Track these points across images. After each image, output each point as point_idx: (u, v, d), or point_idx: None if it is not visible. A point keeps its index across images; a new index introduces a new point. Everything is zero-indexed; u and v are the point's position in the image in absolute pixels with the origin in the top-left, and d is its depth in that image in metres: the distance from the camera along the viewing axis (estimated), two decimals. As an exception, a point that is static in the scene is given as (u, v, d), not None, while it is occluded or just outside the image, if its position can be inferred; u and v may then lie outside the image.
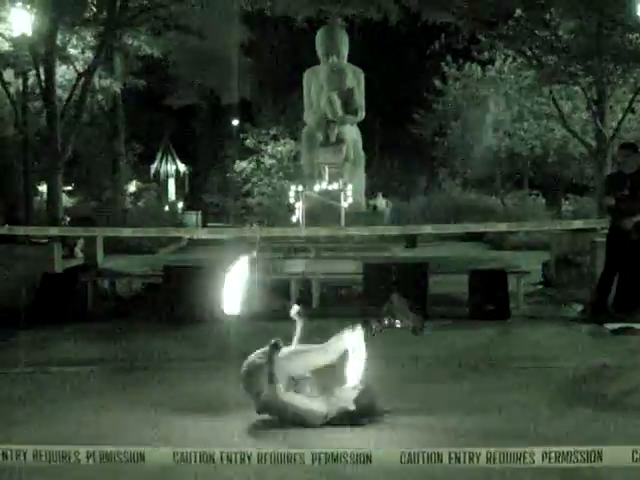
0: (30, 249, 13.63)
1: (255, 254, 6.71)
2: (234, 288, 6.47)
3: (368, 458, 4.08)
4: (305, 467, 4.24)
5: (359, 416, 6.11)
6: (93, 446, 4.31)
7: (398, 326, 6.53)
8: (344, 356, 6.31)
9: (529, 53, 20.85)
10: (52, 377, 7.76)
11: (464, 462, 4.00)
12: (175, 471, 4.83)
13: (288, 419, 6.04)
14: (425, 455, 4.02)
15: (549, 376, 7.91)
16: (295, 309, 6.56)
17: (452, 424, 6.15)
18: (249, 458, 4.14)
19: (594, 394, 7.22)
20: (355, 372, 6.23)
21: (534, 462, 3.94)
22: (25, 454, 4.15)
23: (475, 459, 3.98)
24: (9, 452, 4.15)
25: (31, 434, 5.88)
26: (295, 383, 6.18)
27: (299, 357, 6.32)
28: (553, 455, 3.92)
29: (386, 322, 6.48)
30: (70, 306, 12.01)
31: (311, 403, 6.08)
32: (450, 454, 4.01)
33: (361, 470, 4.56)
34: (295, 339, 6.47)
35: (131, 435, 5.87)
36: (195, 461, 4.15)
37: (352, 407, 6.10)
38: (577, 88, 22.53)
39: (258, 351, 6.30)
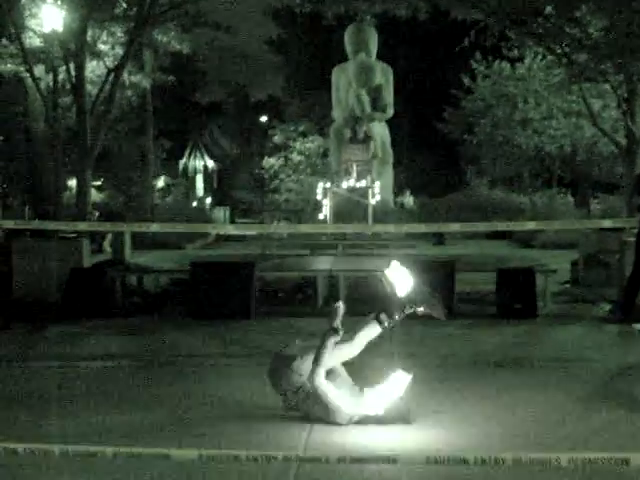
0: (59, 244, 13.72)
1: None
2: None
3: (394, 460, 4.07)
4: (330, 467, 4.24)
5: (390, 422, 6.03)
6: (120, 447, 4.33)
7: (420, 313, 6.45)
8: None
9: (559, 51, 20.70)
10: (79, 372, 7.80)
11: (490, 465, 3.98)
12: (201, 470, 4.83)
13: (315, 413, 6.00)
14: (451, 458, 4.02)
15: (577, 376, 7.86)
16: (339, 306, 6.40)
17: (479, 423, 6.12)
18: (274, 459, 4.15)
19: (622, 394, 7.16)
20: (395, 379, 6.10)
21: (560, 468, 3.92)
22: (54, 452, 4.18)
23: (501, 463, 3.97)
24: (37, 450, 4.18)
25: (58, 430, 5.92)
26: (326, 375, 6.11)
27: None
28: (580, 461, 3.90)
29: (408, 310, 6.40)
30: (98, 301, 12.07)
31: (342, 400, 6.02)
32: (476, 457, 4.00)
33: (386, 471, 4.55)
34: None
35: (157, 433, 5.89)
36: (222, 462, 4.16)
37: (381, 413, 6.02)
38: (607, 86, 22.35)
39: (293, 345, 6.26)
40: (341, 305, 6.34)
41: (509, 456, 3.97)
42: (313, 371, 5.93)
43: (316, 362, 5.93)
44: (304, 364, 6.03)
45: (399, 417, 6.01)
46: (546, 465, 3.93)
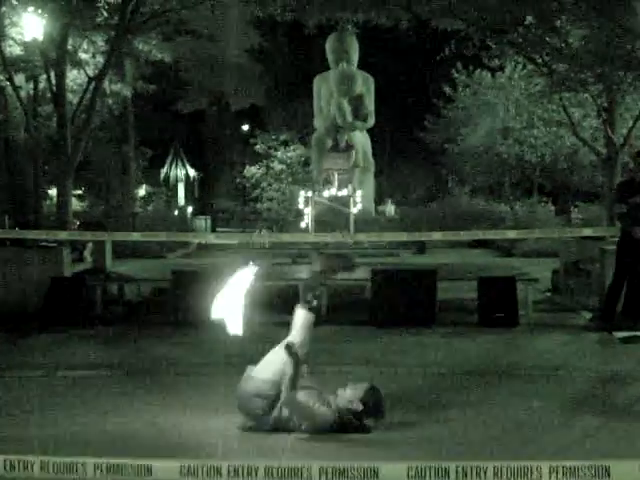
0: (39, 253, 13.65)
1: (256, 265, 6.69)
2: (235, 306, 6.42)
3: (375, 473, 4.06)
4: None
5: (365, 415, 6.08)
6: (100, 458, 4.30)
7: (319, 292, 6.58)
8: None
9: (539, 60, 20.79)
10: (60, 381, 7.76)
11: (472, 477, 3.98)
12: None
13: (299, 424, 6.02)
14: (432, 469, 4.01)
15: (558, 384, 7.89)
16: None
17: (460, 433, 6.13)
18: (256, 472, 4.13)
19: (603, 402, 7.19)
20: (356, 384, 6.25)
21: (541, 477, 3.92)
22: (33, 465, 4.14)
23: (482, 474, 3.96)
24: (17, 463, 4.15)
25: (38, 440, 5.88)
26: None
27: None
28: (560, 470, 3.90)
29: (311, 298, 6.47)
30: (79, 310, 12.02)
31: (321, 407, 6.06)
32: (457, 468, 3.99)
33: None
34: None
35: (137, 442, 5.86)
36: (202, 475, 4.13)
37: (359, 406, 6.07)
38: (587, 95, 22.45)
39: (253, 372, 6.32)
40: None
41: (490, 466, 3.96)
42: (290, 393, 6.00)
43: (292, 387, 6.02)
44: (270, 388, 6.12)
45: (376, 408, 6.14)
46: (527, 476, 3.92)
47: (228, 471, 4.13)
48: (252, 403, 6.15)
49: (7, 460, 4.15)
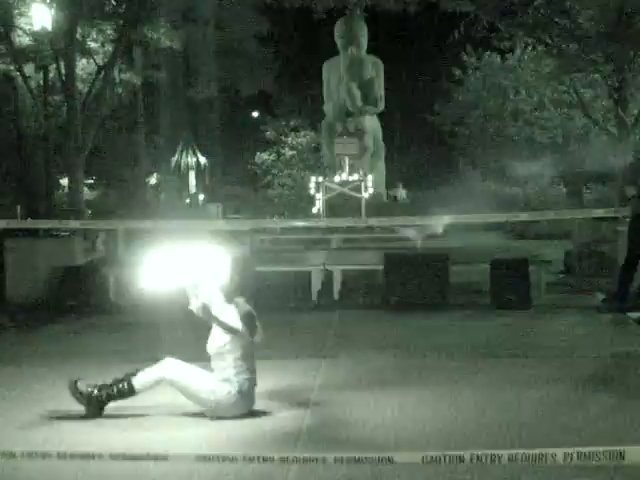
0: (51, 242, 13.69)
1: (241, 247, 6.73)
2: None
3: (390, 460, 4.06)
4: (327, 466, 4.24)
5: (248, 330, 6.15)
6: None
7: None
8: None
9: (549, 41, 20.69)
10: (73, 369, 7.77)
11: (486, 463, 3.97)
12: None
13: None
14: (447, 457, 4.00)
15: (571, 365, 7.87)
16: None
17: (474, 416, 6.12)
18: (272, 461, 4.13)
19: (616, 383, 7.17)
20: None
21: (556, 462, 3.91)
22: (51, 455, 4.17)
23: (497, 460, 3.95)
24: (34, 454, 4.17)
25: (53, 431, 5.93)
26: None
27: None
28: (575, 455, 3.89)
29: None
30: (91, 299, 12.07)
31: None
32: (472, 455, 3.98)
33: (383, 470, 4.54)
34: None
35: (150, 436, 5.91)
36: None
37: (240, 326, 6.16)
38: (598, 76, 22.33)
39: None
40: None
41: (505, 454, 3.95)
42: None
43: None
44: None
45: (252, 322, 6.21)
46: (542, 461, 3.91)
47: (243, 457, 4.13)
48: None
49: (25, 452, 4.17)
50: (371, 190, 25.70)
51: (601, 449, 3.90)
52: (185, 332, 6.83)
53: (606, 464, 3.96)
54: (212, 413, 6.13)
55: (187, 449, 5.11)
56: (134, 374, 6.27)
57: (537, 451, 3.95)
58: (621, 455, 3.86)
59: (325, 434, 5.70)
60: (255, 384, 6.27)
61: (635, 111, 22.52)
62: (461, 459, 3.99)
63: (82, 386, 6.23)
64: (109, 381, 6.27)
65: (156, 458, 4.22)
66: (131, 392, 6.24)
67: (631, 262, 11.03)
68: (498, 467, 4.26)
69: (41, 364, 8.32)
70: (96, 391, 6.21)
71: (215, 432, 5.80)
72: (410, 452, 4.21)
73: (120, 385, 6.23)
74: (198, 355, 6.49)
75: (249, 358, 6.24)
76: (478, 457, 3.97)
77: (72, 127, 20.73)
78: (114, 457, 4.24)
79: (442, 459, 3.99)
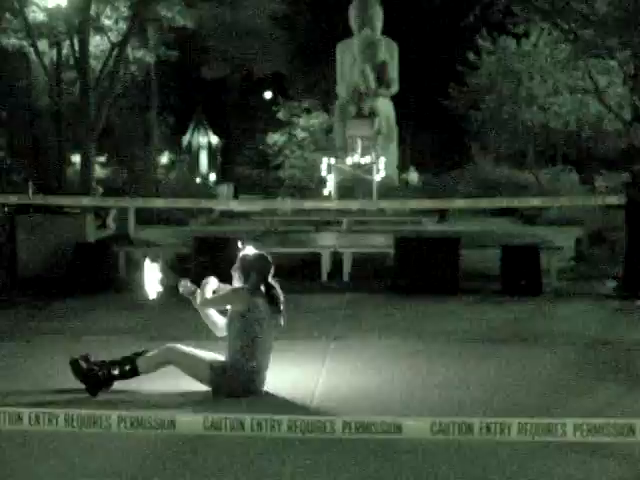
0: (63, 219, 13.71)
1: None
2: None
3: (398, 428, 4.05)
4: (336, 436, 4.23)
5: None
6: (124, 411, 4.33)
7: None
8: None
9: (565, 26, 20.56)
10: (83, 346, 7.79)
11: (495, 433, 3.96)
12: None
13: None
14: (456, 426, 4.00)
15: (581, 352, 7.87)
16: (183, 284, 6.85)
17: (483, 398, 6.13)
18: (279, 426, 4.12)
19: (626, 369, 7.16)
20: None
21: (566, 434, 3.90)
22: (57, 419, 4.17)
23: (506, 430, 3.95)
24: (41, 415, 4.18)
25: (64, 399, 5.96)
26: None
27: None
28: (585, 427, 3.89)
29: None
30: (102, 276, 12.10)
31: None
32: (481, 424, 3.98)
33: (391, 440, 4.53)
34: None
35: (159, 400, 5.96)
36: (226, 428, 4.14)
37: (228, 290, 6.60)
38: (613, 62, 22.21)
39: None
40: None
41: (514, 423, 3.95)
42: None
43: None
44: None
45: None
46: (551, 432, 3.91)
47: (251, 425, 4.12)
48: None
49: (32, 413, 4.18)
50: (383, 173, 25.67)
51: (611, 421, 3.90)
52: (195, 311, 6.74)
53: (616, 441, 3.96)
54: (218, 390, 6.14)
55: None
56: (139, 354, 6.29)
57: (546, 421, 3.95)
58: (631, 429, 3.86)
59: (334, 413, 5.70)
60: (265, 366, 6.27)
61: (650, 98, 22.39)
62: (470, 428, 3.99)
63: (84, 364, 6.24)
64: (117, 359, 6.28)
65: (163, 426, 4.21)
66: (134, 373, 6.26)
67: (635, 249, 11.03)
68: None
69: (51, 340, 8.35)
70: (98, 369, 6.22)
71: (223, 408, 5.80)
72: (419, 420, 4.19)
73: (124, 365, 6.24)
74: (206, 334, 6.52)
75: (257, 341, 6.23)
76: (487, 426, 3.97)
77: (85, 104, 20.71)
78: (121, 419, 4.22)
79: (451, 427, 3.99)
